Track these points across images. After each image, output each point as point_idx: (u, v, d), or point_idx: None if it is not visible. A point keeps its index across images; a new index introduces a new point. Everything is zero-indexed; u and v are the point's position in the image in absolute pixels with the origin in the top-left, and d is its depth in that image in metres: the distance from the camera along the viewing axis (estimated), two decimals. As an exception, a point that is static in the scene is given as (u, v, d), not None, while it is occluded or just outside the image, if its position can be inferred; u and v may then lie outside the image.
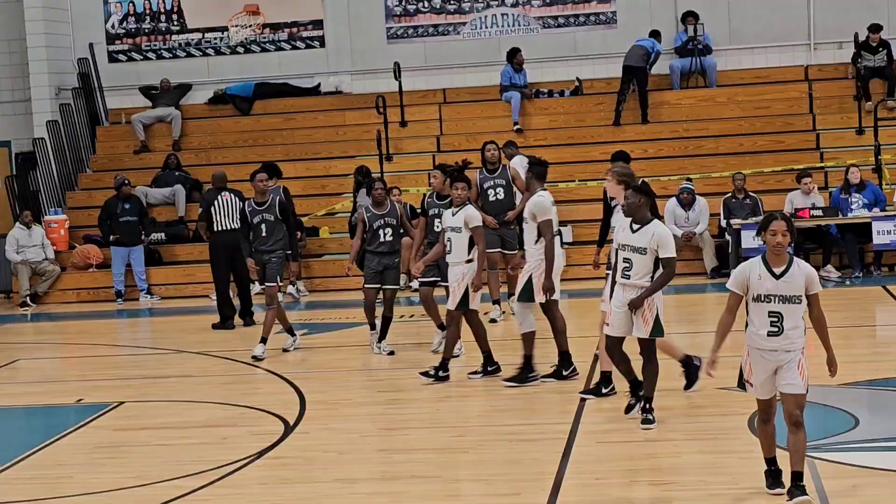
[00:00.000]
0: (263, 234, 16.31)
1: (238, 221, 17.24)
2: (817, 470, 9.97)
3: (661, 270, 11.62)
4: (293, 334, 16.56)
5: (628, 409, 11.93)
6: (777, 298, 9.12)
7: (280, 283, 16.37)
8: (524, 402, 13.18)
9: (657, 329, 11.67)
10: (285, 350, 16.38)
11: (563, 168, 24.56)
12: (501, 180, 18.41)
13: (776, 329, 9.05)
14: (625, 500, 9.56)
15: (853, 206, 21.44)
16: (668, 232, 11.81)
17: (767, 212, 9.11)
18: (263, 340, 16.03)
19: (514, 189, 18.37)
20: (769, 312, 9.10)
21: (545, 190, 13.56)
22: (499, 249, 18.05)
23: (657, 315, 11.66)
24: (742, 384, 9.28)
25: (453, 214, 13.98)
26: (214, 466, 11.15)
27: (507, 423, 12.33)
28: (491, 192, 18.33)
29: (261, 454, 11.56)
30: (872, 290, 19.88)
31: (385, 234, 15.85)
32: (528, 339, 13.68)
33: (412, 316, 19.28)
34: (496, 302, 18.33)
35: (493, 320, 17.71)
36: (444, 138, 26.07)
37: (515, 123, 25.71)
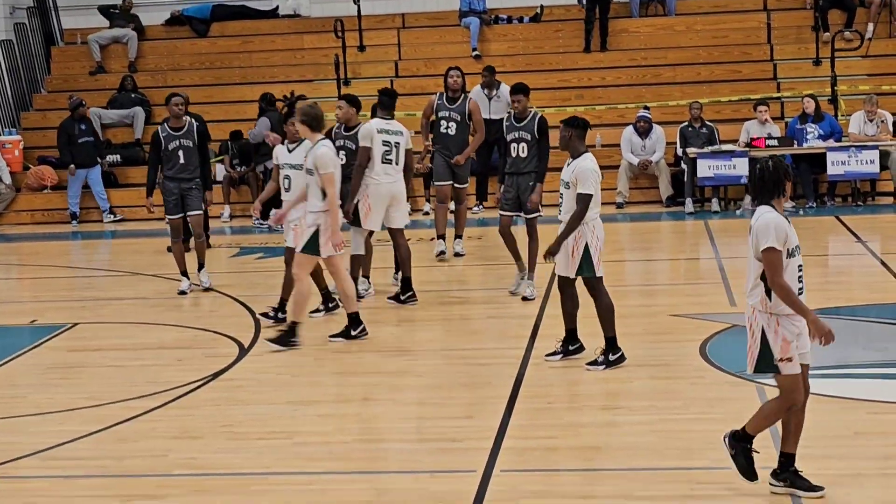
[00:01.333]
0: (181, 160, 15.20)
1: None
2: (766, 396, 10.06)
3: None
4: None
5: (560, 354, 11.48)
6: (798, 251, 8.09)
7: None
8: (478, 327, 13.24)
9: (586, 268, 11.10)
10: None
11: (520, 95, 24.50)
12: (457, 114, 17.14)
13: (802, 285, 8.07)
14: (575, 425, 9.64)
15: (808, 137, 21.51)
16: (589, 168, 11.17)
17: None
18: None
19: (471, 125, 17.24)
20: (798, 267, 8.04)
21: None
22: (449, 182, 17.05)
23: (586, 252, 11.03)
24: (768, 366, 8.07)
25: (290, 151, 13.32)
26: (168, 388, 11.18)
27: (462, 347, 12.40)
28: (444, 122, 17.12)
29: (215, 376, 11.59)
30: (826, 220, 20.01)
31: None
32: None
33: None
34: (441, 237, 17.02)
35: (441, 252, 16.98)
36: (403, 63, 25.95)
37: (474, 49, 25.60)
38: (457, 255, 17.23)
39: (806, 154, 21.40)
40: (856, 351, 11.69)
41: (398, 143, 14.22)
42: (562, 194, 11.23)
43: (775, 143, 21.39)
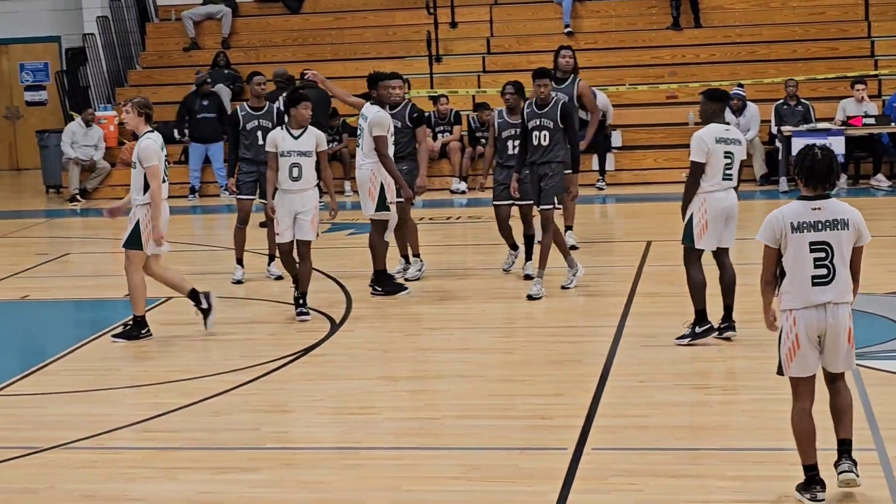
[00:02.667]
0: (260, 142, 14.67)
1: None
2: (861, 377, 9.96)
3: None
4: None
5: None
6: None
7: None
8: (570, 305, 13.21)
9: (685, 237, 11.20)
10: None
11: (613, 72, 24.42)
12: (565, 94, 14.86)
13: None
14: (667, 404, 9.59)
15: (907, 115, 21.20)
16: (698, 136, 11.15)
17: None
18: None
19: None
20: None
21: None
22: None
23: (689, 222, 11.26)
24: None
25: (295, 137, 12.90)
26: (260, 362, 11.27)
27: (553, 324, 12.37)
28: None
29: (306, 351, 11.65)
30: (923, 199, 19.75)
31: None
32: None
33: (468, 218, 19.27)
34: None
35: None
36: (494, 40, 25.89)
37: (567, 26, 25.48)
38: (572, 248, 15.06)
39: (903, 132, 21.10)
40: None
41: (362, 128, 13.74)
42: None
43: (872, 121, 21.11)
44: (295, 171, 12.82)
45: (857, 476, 7.54)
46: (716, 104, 11.32)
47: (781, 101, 21.91)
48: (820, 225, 7.46)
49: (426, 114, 18.50)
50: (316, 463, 8.68)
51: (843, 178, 21.25)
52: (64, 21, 28.57)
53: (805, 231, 7.44)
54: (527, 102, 13.65)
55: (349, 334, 12.33)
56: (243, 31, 27.29)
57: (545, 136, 13.33)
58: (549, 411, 9.55)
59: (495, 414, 9.62)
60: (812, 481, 7.55)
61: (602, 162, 22.47)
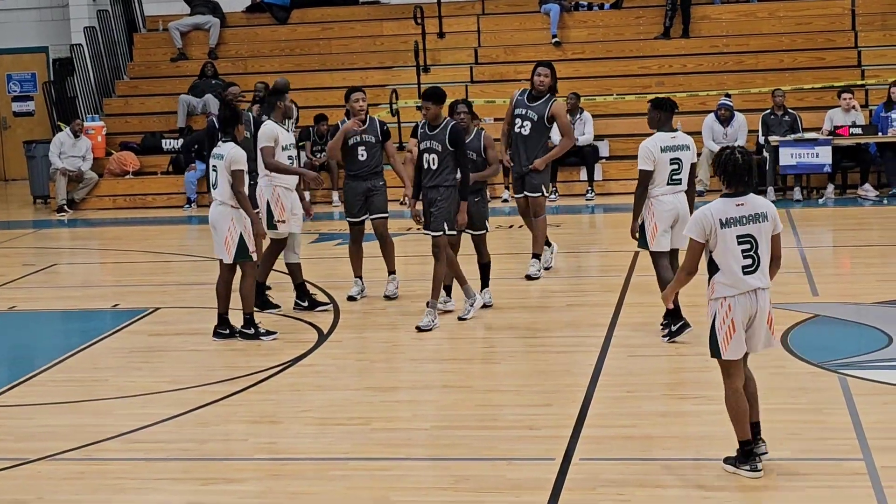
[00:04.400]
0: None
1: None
2: (849, 387, 9.98)
3: None
4: None
5: None
6: None
7: None
8: (557, 315, 13.20)
9: (641, 241, 11.92)
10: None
11: (600, 82, 24.46)
12: (535, 113, 14.61)
13: None
14: (655, 414, 9.59)
15: (894, 125, 21.22)
16: (644, 145, 11.77)
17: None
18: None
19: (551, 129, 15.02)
20: None
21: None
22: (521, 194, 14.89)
23: (642, 227, 11.84)
24: None
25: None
26: (248, 373, 11.25)
27: (540, 334, 12.36)
28: (519, 121, 14.66)
29: (294, 361, 11.64)
30: (910, 209, 19.78)
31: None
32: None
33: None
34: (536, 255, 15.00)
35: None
36: (482, 50, 25.91)
37: (554, 36, 25.52)
38: (528, 277, 14.74)
39: (891, 142, 21.13)
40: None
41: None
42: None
43: (859, 130, 21.16)
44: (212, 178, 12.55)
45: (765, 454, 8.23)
46: (662, 112, 11.87)
47: (768, 110, 21.95)
48: (744, 219, 8.06)
49: (415, 123, 18.42)
50: (303, 474, 8.66)
51: (831, 187, 21.29)
52: (51, 31, 28.56)
53: (732, 226, 8.04)
54: (420, 123, 12.89)
55: (337, 345, 12.32)
56: (231, 41, 27.28)
57: (433, 159, 12.61)
58: (537, 421, 9.54)
59: (483, 424, 9.61)
60: (750, 454, 8.12)
61: (590, 172, 22.51)
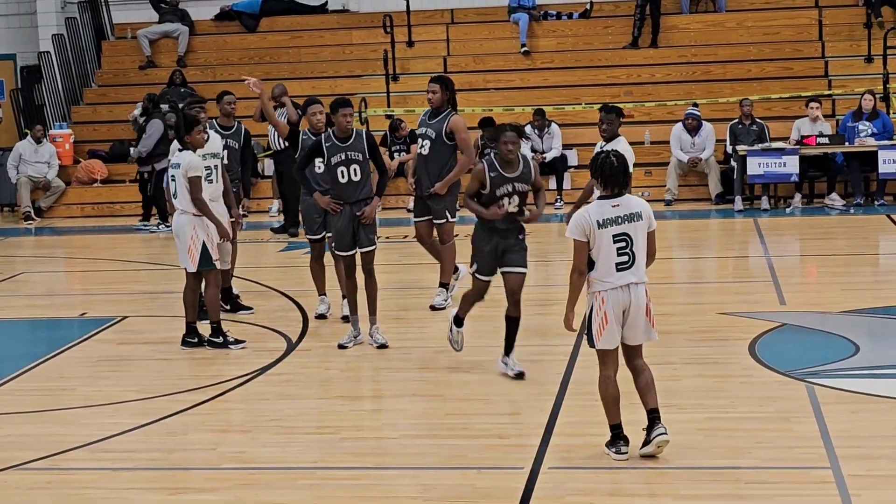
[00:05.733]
0: (225, 161, 14.24)
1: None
2: (816, 395, 10.02)
3: None
4: None
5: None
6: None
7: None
8: (526, 324, 13.18)
9: None
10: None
11: (569, 91, 24.52)
12: (433, 130, 13.81)
13: None
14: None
15: (861, 135, 21.33)
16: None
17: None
18: None
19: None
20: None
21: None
22: (426, 218, 14.08)
23: None
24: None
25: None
26: (216, 381, 11.23)
27: (509, 343, 12.34)
28: (420, 140, 14.05)
29: (263, 370, 11.62)
30: (875, 218, 19.86)
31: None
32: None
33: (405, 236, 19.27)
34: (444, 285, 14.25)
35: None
36: (451, 59, 25.93)
37: (523, 45, 25.57)
38: (434, 308, 13.92)
39: (857, 152, 21.24)
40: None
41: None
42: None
43: (826, 140, 21.26)
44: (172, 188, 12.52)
45: (666, 434, 8.63)
46: (618, 118, 12.63)
47: (736, 120, 22.05)
48: (620, 219, 8.54)
49: (383, 133, 18.44)
50: (273, 483, 8.64)
51: (798, 197, 21.40)
52: (19, 39, 28.42)
53: (609, 226, 8.52)
54: (327, 134, 12.33)
55: (305, 353, 12.30)
56: (200, 49, 27.23)
57: (355, 170, 12.13)
58: (506, 430, 9.56)
59: (452, 433, 9.61)
60: (618, 438, 8.73)
61: (559, 181, 22.57)
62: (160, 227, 21.51)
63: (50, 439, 9.71)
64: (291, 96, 22.26)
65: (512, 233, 10.92)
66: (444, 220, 13.87)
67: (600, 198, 8.61)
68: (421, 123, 13.94)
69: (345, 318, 13.06)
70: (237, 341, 12.46)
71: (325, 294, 13.73)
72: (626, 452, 8.64)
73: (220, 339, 12.39)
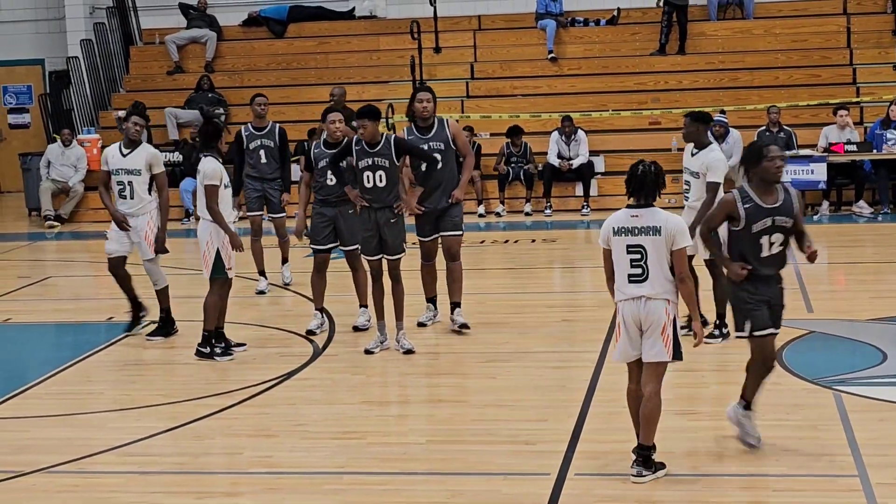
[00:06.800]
0: (263, 160, 15.56)
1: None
2: (844, 403, 9.98)
3: None
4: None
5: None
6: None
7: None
8: (553, 330, 13.20)
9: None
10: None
11: (596, 97, 24.51)
12: (440, 142, 12.94)
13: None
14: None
15: (889, 142, 21.26)
16: (719, 158, 12.16)
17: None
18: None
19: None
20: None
21: None
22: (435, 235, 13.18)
23: None
24: (678, 354, 8.56)
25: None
26: (242, 386, 11.24)
27: (536, 349, 12.35)
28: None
29: (289, 375, 11.63)
30: (904, 226, 19.80)
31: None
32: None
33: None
34: (432, 300, 13.69)
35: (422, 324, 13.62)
36: (478, 65, 25.95)
37: (550, 52, 25.56)
38: (463, 326, 13.11)
39: (885, 160, 21.16)
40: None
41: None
42: (688, 182, 12.27)
43: (854, 148, 21.20)
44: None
45: (639, 476, 8.35)
46: (700, 125, 12.18)
47: (763, 127, 21.99)
48: (636, 230, 8.38)
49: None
50: (299, 488, 8.65)
51: (825, 204, 21.33)
52: (47, 44, 28.57)
53: (623, 235, 8.40)
54: (355, 139, 12.25)
55: (332, 358, 12.30)
56: (227, 55, 27.31)
57: (381, 176, 12.10)
58: (533, 436, 9.54)
59: (479, 439, 9.60)
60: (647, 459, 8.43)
61: (586, 187, 22.55)
62: None
63: (77, 443, 9.73)
64: (319, 101, 22.34)
65: (778, 281, 9.05)
66: (461, 232, 13.09)
67: (626, 206, 8.54)
68: (415, 141, 12.70)
69: (355, 329, 13.12)
70: (226, 353, 12.33)
71: (321, 309, 13.37)
72: (643, 476, 8.37)
73: (208, 350, 12.34)
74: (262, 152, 15.52)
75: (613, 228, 8.46)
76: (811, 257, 8.98)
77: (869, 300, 14.15)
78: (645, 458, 8.42)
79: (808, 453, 8.86)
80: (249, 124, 15.75)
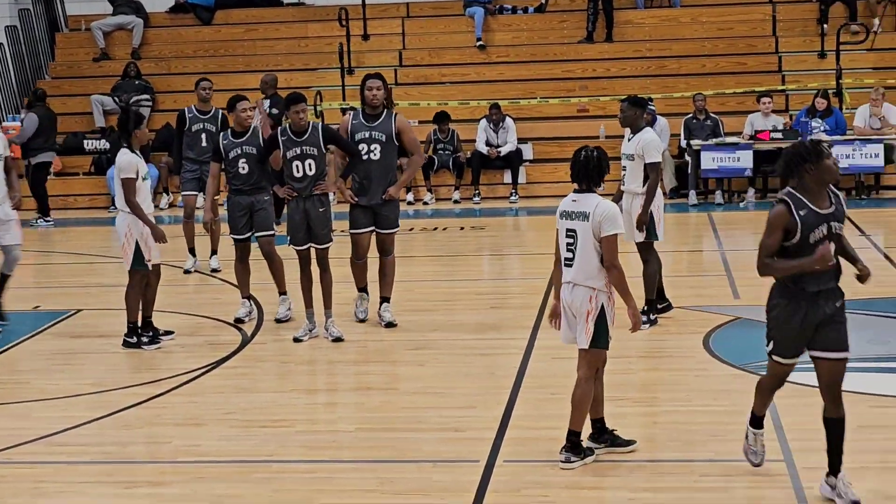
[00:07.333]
0: (203, 144, 16.24)
1: None
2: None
3: None
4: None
5: None
6: None
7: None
8: (482, 318, 13.24)
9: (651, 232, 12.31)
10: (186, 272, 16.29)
11: (524, 85, 24.57)
12: (381, 133, 12.63)
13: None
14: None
15: (814, 131, 21.47)
16: (655, 139, 12.62)
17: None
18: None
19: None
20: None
21: None
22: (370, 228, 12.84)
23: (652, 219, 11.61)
24: (603, 342, 8.58)
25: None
26: (170, 375, 11.19)
27: (465, 337, 12.39)
28: (364, 146, 12.60)
29: (217, 364, 11.59)
30: (829, 213, 19.95)
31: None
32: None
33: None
34: (363, 289, 13.26)
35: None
36: (407, 53, 25.93)
37: (478, 39, 25.59)
38: (389, 324, 12.86)
39: (810, 147, 21.34)
40: (860, 345, 11.63)
41: None
42: (625, 167, 12.57)
43: (780, 135, 21.40)
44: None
45: (567, 462, 8.43)
46: (637, 109, 12.56)
47: (691, 115, 22.15)
48: (573, 215, 8.45)
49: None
50: (227, 476, 8.62)
51: (751, 191, 21.52)
52: (-29, 30, 28.26)
53: (564, 219, 8.49)
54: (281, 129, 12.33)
55: (261, 347, 12.28)
56: (154, 41, 27.11)
57: (310, 164, 12.16)
58: (462, 424, 9.57)
59: (408, 427, 9.61)
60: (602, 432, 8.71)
61: (514, 175, 22.61)
62: (38, 221, 21.56)
63: (4, 433, 9.65)
64: (247, 89, 22.25)
65: (830, 297, 7.71)
66: (396, 229, 12.87)
67: (573, 191, 8.58)
68: (358, 127, 12.55)
69: (277, 321, 13.09)
70: (153, 341, 12.31)
71: (248, 297, 13.36)
72: (572, 462, 8.43)
73: (134, 339, 12.28)
74: (203, 136, 16.14)
75: (559, 212, 8.54)
76: (864, 277, 7.77)
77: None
78: (573, 443, 8.47)
79: (734, 438, 8.92)
80: (193, 107, 16.42)
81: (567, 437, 8.48)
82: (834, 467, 7.68)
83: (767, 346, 7.96)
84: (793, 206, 7.60)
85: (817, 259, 7.46)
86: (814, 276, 7.57)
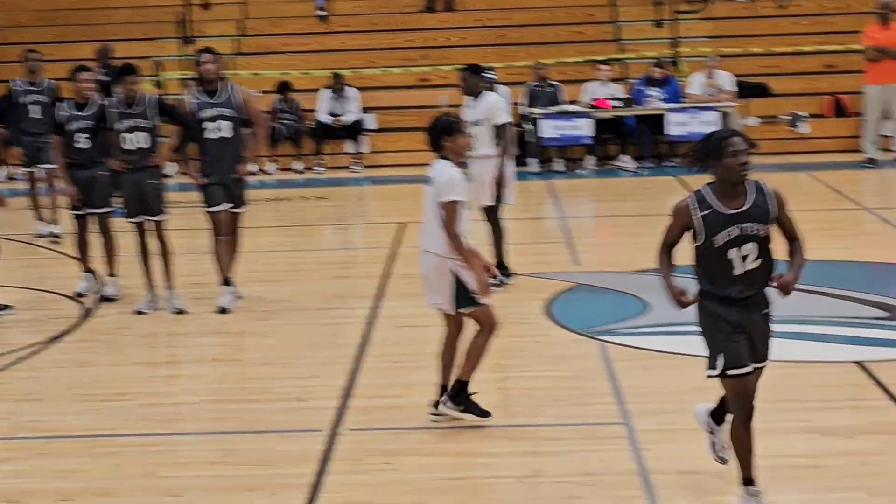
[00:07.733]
0: (31, 115, 16.13)
1: None
2: (609, 353, 10.26)
3: None
4: None
5: None
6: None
7: None
8: (326, 287, 13.25)
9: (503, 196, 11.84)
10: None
11: (366, 55, 24.53)
12: (227, 109, 12.28)
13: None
14: (423, 384, 9.67)
15: (651, 98, 21.78)
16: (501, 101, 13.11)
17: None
18: None
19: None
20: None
21: None
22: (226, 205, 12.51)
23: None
24: (468, 302, 8.63)
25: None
26: (9, 350, 11.02)
27: (308, 307, 12.39)
28: (209, 124, 12.22)
29: (58, 337, 11.45)
30: (664, 179, 20.30)
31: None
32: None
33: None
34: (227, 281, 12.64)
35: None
36: (248, 22, 25.72)
37: (321, 9, 25.49)
38: (224, 311, 12.30)
39: (648, 115, 21.70)
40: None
41: None
42: (472, 134, 11.84)
43: (620, 104, 21.68)
44: None
45: (437, 413, 8.69)
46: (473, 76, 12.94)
47: (535, 83, 22.30)
48: (428, 181, 8.51)
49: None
50: (70, 451, 8.54)
51: (592, 159, 21.78)
52: None
53: (426, 184, 8.52)
54: (112, 102, 12.32)
55: (102, 320, 12.15)
56: (-12, 10, 26.52)
57: (144, 137, 12.09)
58: (305, 393, 9.59)
59: (252, 397, 9.61)
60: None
61: (357, 145, 22.60)
62: None
63: None
64: (84, 59, 21.88)
65: (755, 305, 6.89)
66: (247, 207, 12.66)
67: None
68: (202, 105, 12.13)
69: (104, 299, 12.81)
70: (1, 309, 12.20)
71: (90, 270, 13.15)
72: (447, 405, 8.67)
73: None
74: (33, 108, 15.97)
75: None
76: (782, 287, 6.76)
77: (633, 252, 14.51)
78: (457, 391, 8.62)
79: (574, 403, 9.10)
80: (20, 80, 16.22)
81: (452, 385, 8.64)
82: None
83: (715, 366, 6.84)
84: (695, 204, 6.77)
85: (672, 299, 6.86)
86: (739, 282, 6.77)
